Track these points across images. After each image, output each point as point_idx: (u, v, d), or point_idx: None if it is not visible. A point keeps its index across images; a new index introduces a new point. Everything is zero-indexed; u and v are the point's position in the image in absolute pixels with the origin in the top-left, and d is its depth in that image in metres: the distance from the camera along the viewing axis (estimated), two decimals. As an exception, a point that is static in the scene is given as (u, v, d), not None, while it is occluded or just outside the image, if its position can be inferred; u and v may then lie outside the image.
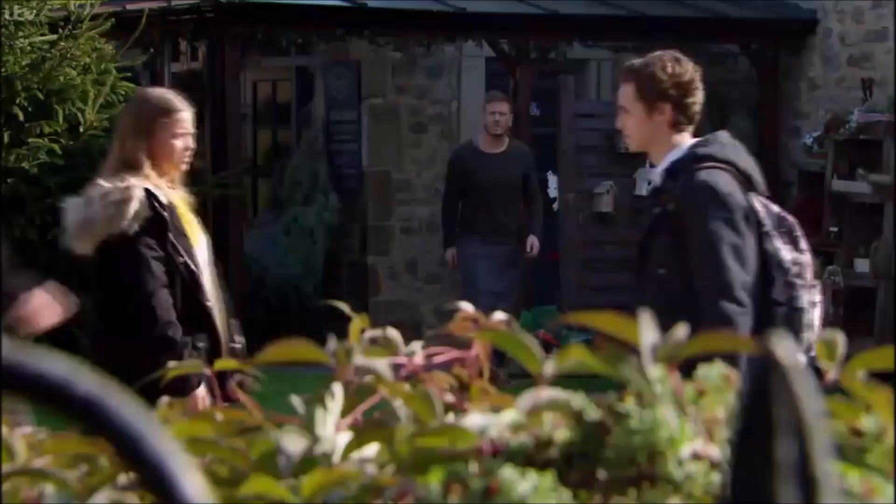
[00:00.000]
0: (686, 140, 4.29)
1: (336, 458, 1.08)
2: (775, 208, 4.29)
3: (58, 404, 0.83)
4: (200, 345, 4.45)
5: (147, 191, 4.39)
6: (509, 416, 1.08)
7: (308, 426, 1.10)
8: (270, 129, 13.03)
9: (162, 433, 0.83)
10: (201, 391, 4.34)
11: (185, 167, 4.61)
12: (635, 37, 10.84)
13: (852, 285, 10.14)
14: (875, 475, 1.01)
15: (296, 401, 1.15)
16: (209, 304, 4.52)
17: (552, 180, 11.76)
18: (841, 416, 1.06)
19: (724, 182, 4.15)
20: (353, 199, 11.69)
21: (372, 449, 1.10)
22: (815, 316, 4.23)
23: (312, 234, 11.47)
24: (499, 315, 1.22)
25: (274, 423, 1.16)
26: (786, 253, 4.19)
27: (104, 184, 4.42)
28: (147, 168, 4.45)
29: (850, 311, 10.17)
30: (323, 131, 11.93)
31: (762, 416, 0.80)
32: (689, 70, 4.31)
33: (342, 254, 11.77)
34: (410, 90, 11.72)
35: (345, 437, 1.10)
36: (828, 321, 9.91)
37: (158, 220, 4.40)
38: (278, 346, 1.23)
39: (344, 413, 1.14)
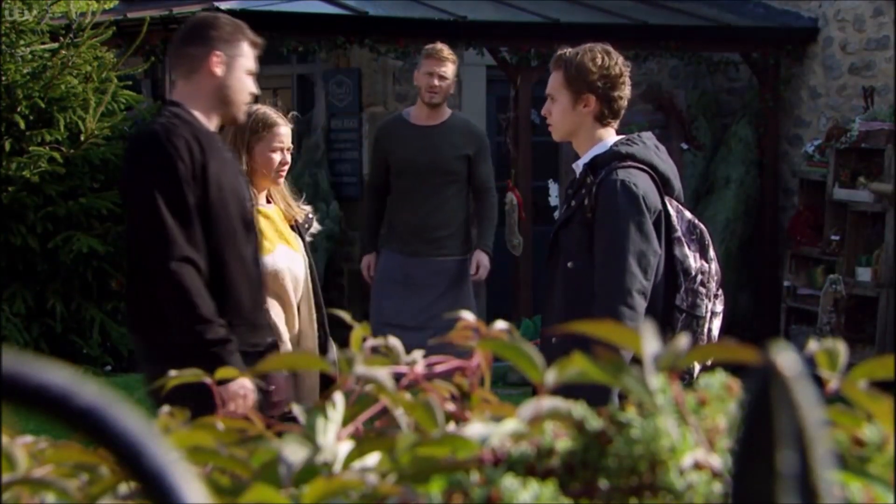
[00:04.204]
0: (610, 135, 4.32)
1: (337, 467, 1.08)
2: (688, 214, 4.34)
3: (59, 414, 0.82)
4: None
5: None
6: (510, 425, 1.08)
7: (309, 435, 1.10)
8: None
9: (163, 442, 0.83)
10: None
11: (281, 181, 4.67)
12: (636, 45, 10.84)
13: (854, 294, 10.14)
14: (876, 485, 1.00)
15: (297, 409, 1.15)
16: (271, 317, 4.46)
17: (553, 188, 11.77)
18: (842, 426, 1.06)
19: (642, 183, 4.18)
20: (353, 207, 11.69)
21: (373, 458, 1.10)
22: (714, 326, 4.27)
23: (313, 242, 11.48)
24: (499, 323, 1.22)
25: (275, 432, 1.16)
26: (693, 260, 4.23)
27: None
28: None
29: (852, 319, 10.17)
30: (323, 139, 11.94)
31: (763, 426, 0.80)
32: (619, 64, 4.31)
33: (343, 262, 11.77)
34: (411, 98, 11.70)
35: (346, 447, 1.10)
36: (829, 330, 9.93)
37: None
38: (281, 355, 1.23)
39: (345, 422, 1.14)
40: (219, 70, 4.18)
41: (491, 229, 7.43)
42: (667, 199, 4.25)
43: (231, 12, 9.94)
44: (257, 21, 10.24)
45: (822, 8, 11.48)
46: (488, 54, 11.07)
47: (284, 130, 4.66)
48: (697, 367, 3.93)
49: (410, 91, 11.63)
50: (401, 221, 7.33)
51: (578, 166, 4.36)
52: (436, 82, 7.17)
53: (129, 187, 4.13)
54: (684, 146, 11.78)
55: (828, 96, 11.44)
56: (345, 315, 1.38)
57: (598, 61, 4.26)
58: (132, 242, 4.12)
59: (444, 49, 7.25)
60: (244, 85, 4.23)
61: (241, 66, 4.22)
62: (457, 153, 7.26)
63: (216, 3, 9.79)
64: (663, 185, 4.25)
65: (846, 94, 11.24)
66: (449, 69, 7.21)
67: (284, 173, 4.71)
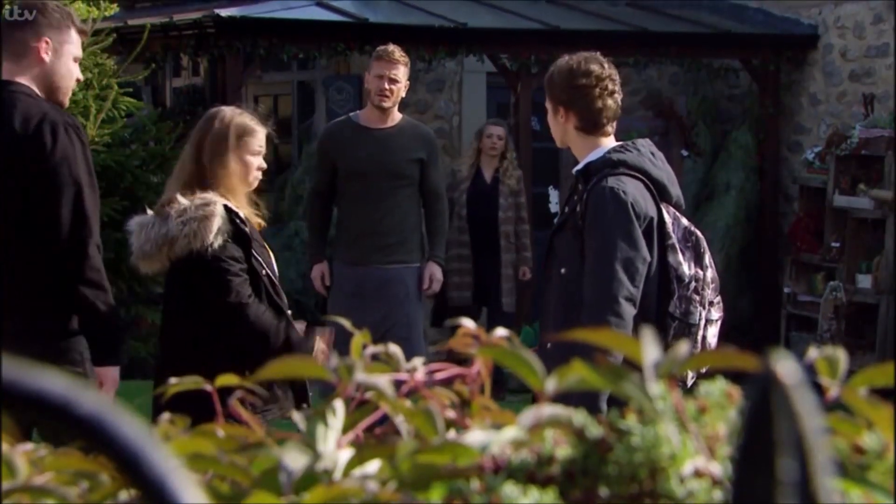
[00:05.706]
0: (607, 142, 4.29)
1: (337, 474, 1.08)
2: (684, 221, 4.30)
3: (59, 421, 0.82)
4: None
5: (226, 206, 4.41)
6: (511, 432, 1.08)
7: (309, 442, 1.10)
8: (271, 143, 13.03)
9: (163, 449, 0.83)
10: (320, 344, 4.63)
11: (255, 185, 4.66)
12: (636, 52, 10.85)
13: (854, 301, 10.14)
14: (876, 492, 1.00)
15: (297, 417, 1.15)
16: (289, 313, 4.64)
17: (553, 194, 11.77)
18: (842, 433, 1.05)
19: (631, 190, 4.15)
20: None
21: (373, 465, 1.09)
22: (710, 333, 4.24)
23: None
24: (500, 330, 1.22)
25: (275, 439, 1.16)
26: (686, 267, 4.20)
27: (182, 200, 4.35)
28: (222, 185, 4.48)
29: (852, 326, 10.17)
30: (324, 146, 11.93)
31: (764, 434, 0.80)
32: (595, 75, 4.22)
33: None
34: (412, 105, 11.73)
35: (346, 454, 1.10)
36: (830, 336, 9.93)
37: (240, 235, 4.42)
38: (280, 362, 1.23)
39: (345, 429, 1.14)
40: (47, 56, 4.28)
41: (442, 239, 7.27)
42: (663, 206, 4.22)
43: (232, 19, 9.97)
44: (258, 28, 10.29)
45: (822, 15, 11.49)
46: (489, 61, 11.08)
47: (262, 135, 4.60)
48: (691, 375, 3.90)
49: (412, 98, 11.64)
50: (352, 227, 7.11)
51: (573, 174, 4.37)
52: (386, 85, 6.87)
53: (54, 171, 4.17)
54: (684, 152, 11.78)
55: (828, 103, 11.44)
56: (345, 322, 1.38)
57: (567, 75, 4.21)
58: (39, 223, 4.19)
59: (396, 51, 6.93)
60: (70, 71, 4.35)
61: (68, 52, 4.33)
62: (409, 157, 7.01)
63: (216, 10, 9.80)
64: (659, 192, 4.22)
65: (846, 101, 11.24)
66: (400, 72, 6.90)
67: (259, 177, 4.65)
